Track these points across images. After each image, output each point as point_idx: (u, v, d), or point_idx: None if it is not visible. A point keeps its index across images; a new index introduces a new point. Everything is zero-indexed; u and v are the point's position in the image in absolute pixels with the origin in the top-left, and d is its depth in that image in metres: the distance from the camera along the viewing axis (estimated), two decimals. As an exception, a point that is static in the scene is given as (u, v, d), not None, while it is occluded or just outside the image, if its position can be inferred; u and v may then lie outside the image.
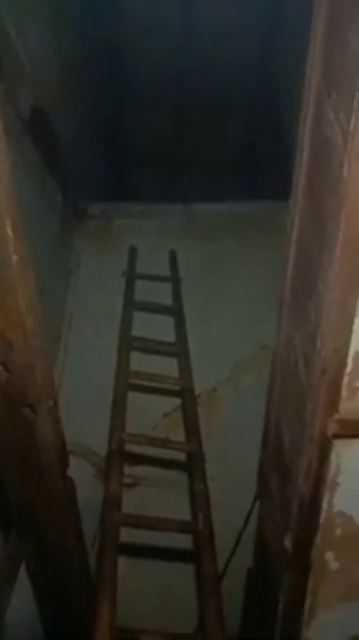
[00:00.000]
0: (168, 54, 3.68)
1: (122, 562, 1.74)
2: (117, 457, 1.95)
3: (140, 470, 2.34)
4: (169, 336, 2.65)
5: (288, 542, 1.20)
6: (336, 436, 1.00)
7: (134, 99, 3.79)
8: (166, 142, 3.90)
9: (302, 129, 1.01)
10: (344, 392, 0.97)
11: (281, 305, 1.20)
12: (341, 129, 0.85)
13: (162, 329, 2.67)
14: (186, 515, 2.09)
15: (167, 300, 2.81)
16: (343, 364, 0.94)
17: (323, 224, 0.90)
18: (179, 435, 2.31)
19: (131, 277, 2.89)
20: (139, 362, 2.46)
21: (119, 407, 2.17)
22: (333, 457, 1.04)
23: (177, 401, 2.45)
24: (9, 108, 2.04)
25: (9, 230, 1.09)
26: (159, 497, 2.29)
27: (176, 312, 2.75)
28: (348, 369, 0.94)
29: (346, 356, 0.93)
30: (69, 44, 3.10)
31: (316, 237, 0.94)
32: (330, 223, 0.86)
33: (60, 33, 2.90)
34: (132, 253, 3.02)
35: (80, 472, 1.64)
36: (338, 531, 1.13)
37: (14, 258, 1.11)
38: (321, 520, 1.11)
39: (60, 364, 2.57)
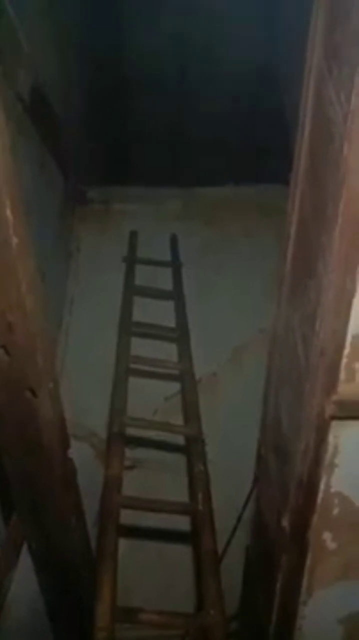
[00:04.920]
0: (170, 36, 3.63)
1: (122, 543, 1.77)
2: (118, 440, 1.97)
3: (140, 452, 2.36)
4: (170, 321, 2.66)
5: (285, 522, 1.21)
6: (334, 417, 1.01)
7: (134, 82, 3.74)
8: (167, 125, 3.86)
9: (303, 108, 1.00)
10: (342, 374, 0.97)
11: (281, 287, 1.20)
12: (341, 108, 0.85)
13: (162, 313, 2.67)
14: (186, 498, 2.11)
15: (168, 284, 2.81)
16: (341, 345, 0.94)
17: (323, 204, 0.90)
18: (181, 419, 2.33)
19: (131, 262, 2.89)
20: (139, 346, 2.47)
21: (119, 390, 2.19)
22: (331, 439, 1.05)
23: (179, 385, 2.46)
24: (8, 89, 2.02)
25: (8, 212, 1.08)
26: (159, 479, 2.32)
27: (176, 296, 2.75)
28: (346, 351, 0.94)
29: (344, 338, 0.93)
30: (69, 25, 3.06)
31: (316, 217, 0.94)
32: (330, 203, 0.86)
33: (59, 13, 2.86)
34: (133, 237, 3.02)
35: (81, 454, 1.66)
36: (335, 511, 1.14)
37: (14, 240, 1.10)
38: (319, 500, 1.12)
39: (61, 347, 2.58)
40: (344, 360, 0.95)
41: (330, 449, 1.05)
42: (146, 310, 2.65)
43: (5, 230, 1.10)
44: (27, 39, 2.22)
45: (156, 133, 3.72)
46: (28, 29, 2.23)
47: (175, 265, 2.91)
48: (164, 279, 2.83)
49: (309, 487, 1.10)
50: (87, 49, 3.36)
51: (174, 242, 3.04)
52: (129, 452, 2.20)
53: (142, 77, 3.66)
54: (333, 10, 0.91)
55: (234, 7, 3.42)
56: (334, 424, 1.02)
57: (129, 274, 2.82)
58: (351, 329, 0.93)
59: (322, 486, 1.10)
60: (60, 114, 2.67)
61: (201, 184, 3.18)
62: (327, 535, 1.17)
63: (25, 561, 1.75)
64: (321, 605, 1.28)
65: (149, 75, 3.64)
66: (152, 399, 2.52)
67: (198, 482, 1.88)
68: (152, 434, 2.27)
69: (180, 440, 2.27)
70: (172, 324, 2.64)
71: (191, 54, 3.72)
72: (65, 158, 2.80)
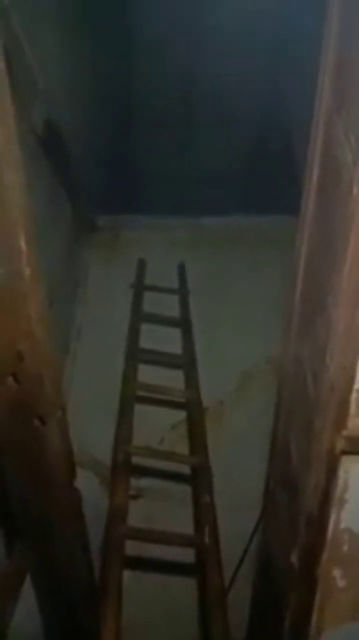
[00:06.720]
0: (176, 69, 3.73)
1: (126, 574, 1.74)
2: (123, 469, 1.96)
3: (145, 482, 2.34)
4: (176, 348, 2.66)
5: (294, 558, 1.19)
6: (344, 452, 1.01)
7: (143, 114, 3.84)
8: (174, 156, 3.95)
9: (312, 147, 1.03)
10: (352, 409, 0.97)
11: (290, 320, 1.21)
12: (350, 149, 0.87)
13: (169, 340, 2.68)
14: (191, 529, 2.08)
15: (175, 312, 2.83)
16: (351, 380, 0.94)
17: (331, 242, 0.92)
18: (187, 448, 2.31)
19: (139, 289, 2.91)
20: (146, 373, 2.47)
21: (125, 418, 2.18)
22: (341, 474, 1.04)
23: (185, 413, 2.45)
24: (22, 123, 2.07)
25: (22, 244, 1.10)
26: (164, 509, 2.29)
27: (184, 324, 2.76)
28: (356, 385, 0.95)
29: (354, 373, 0.93)
30: (81, 61, 3.16)
31: (325, 254, 0.95)
32: (339, 241, 0.87)
33: (72, 50, 2.96)
34: (141, 265, 3.05)
35: (85, 482, 1.65)
36: (345, 548, 1.13)
37: (27, 271, 1.13)
38: (329, 536, 1.11)
39: (68, 374, 2.58)
40: (354, 395, 0.95)
41: (340, 484, 1.04)
42: (153, 338, 2.66)
43: (18, 260, 1.12)
44: (42, 75, 2.30)
45: (164, 163, 3.79)
46: (43, 66, 2.31)
47: (182, 292, 2.93)
48: (171, 307, 2.84)
49: (319, 522, 1.09)
50: (98, 82, 3.46)
51: (181, 270, 3.06)
52: (134, 481, 2.18)
53: (150, 111, 3.75)
54: (342, 50, 0.94)
55: (241, 46, 3.53)
56: (345, 459, 1.01)
57: (137, 300, 2.84)
58: (361, 364, 0.93)
59: (332, 522, 1.09)
60: (70, 145, 2.73)
61: (208, 214, 3.23)
62: (337, 572, 1.15)
63: (28, 591, 1.72)
64: (332, 644, 1.25)
65: (157, 108, 3.74)
66: (158, 427, 2.51)
67: (204, 513, 1.86)
68: (157, 463, 2.25)
69: (186, 469, 2.25)
70: (179, 351, 2.65)
71: (198, 89, 3.82)
72: (75, 187, 2.86)
